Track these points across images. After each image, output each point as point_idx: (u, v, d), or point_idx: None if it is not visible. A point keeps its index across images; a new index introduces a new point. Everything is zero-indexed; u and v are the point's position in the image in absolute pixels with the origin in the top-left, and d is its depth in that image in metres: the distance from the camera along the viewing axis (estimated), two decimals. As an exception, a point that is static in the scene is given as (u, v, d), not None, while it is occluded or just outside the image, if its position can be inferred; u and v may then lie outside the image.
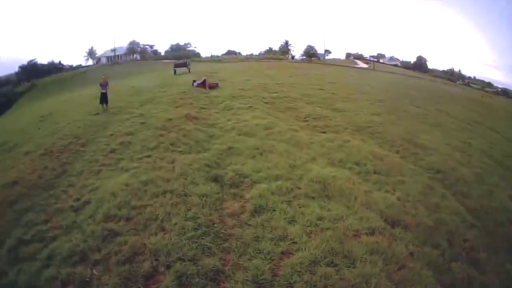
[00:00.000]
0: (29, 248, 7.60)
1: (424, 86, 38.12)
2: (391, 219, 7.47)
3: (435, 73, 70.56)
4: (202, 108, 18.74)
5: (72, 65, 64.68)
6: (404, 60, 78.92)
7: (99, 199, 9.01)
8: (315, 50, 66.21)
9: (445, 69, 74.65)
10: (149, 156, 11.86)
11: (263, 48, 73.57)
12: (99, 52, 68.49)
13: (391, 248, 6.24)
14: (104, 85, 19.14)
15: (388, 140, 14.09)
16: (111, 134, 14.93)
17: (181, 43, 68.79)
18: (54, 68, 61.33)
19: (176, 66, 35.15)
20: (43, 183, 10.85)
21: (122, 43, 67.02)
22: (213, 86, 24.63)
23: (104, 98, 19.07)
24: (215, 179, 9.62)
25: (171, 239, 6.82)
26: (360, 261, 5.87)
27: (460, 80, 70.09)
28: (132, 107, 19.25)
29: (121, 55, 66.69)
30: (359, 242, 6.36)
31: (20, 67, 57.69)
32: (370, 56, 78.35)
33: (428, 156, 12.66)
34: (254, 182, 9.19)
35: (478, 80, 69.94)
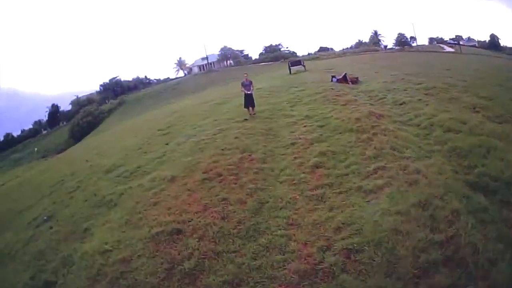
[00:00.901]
0: None
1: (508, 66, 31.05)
2: None
3: (507, 51, 62.96)
4: (370, 104, 14.33)
5: (159, 78, 64.73)
6: (479, 40, 73.96)
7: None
8: (406, 38, 62.22)
9: (514, 46, 67.65)
10: (382, 168, 7.70)
11: (353, 41, 71.24)
12: (189, 62, 68.53)
13: None
14: (247, 85, 14.98)
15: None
16: (293, 143, 10.29)
17: (273, 45, 67.06)
18: (140, 83, 61.70)
19: (292, 64, 32.24)
20: (234, 228, 6.14)
21: (213, 51, 66.57)
22: (354, 81, 21.10)
23: (250, 101, 14.96)
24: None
25: None
26: None
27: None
28: (283, 109, 14.98)
29: (213, 63, 65.14)
30: None
31: (101, 85, 58.68)
32: (449, 39, 72.73)
33: None
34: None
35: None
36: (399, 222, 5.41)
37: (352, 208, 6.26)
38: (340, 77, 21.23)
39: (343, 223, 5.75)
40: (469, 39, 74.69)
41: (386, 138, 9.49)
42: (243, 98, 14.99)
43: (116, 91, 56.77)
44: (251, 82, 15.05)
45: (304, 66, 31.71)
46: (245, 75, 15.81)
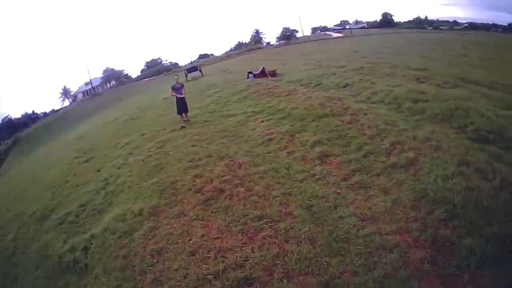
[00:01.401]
0: None
1: (414, 39, 35.13)
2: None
3: (403, 26, 68.49)
4: (313, 91, 13.84)
5: (45, 111, 60.53)
6: (368, 20, 78.09)
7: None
8: (291, 31, 62.39)
9: (411, 19, 73.50)
10: (397, 143, 7.39)
11: (233, 44, 71.83)
12: (74, 89, 62.67)
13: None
14: (179, 88, 13.03)
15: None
16: (270, 139, 9.03)
17: (154, 59, 64.29)
18: (29, 119, 57.04)
19: (189, 71, 30.86)
20: (312, 247, 4.66)
21: (97, 74, 62.31)
22: (272, 74, 20.32)
23: (183, 105, 13.04)
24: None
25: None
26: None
27: (428, 25, 68.16)
28: (217, 111, 13.44)
29: (97, 86, 59.22)
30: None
31: (-5, 127, 55.22)
32: (334, 26, 77.55)
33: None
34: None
35: (442, 21, 69.99)
36: (463, 180, 5.32)
37: (405, 184, 5.71)
38: (258, 72, 20.47)
39: (413, 200, 5.22)
40: (357, 21, 78.26)
41: (371, 116, 9.26)
42: (175, 104, 13.01)
43: (9, 131, 50.01)
44: (182, 85, 13.15)
45: (201, 71, 30.91)
46: (176, 77, 13.70)
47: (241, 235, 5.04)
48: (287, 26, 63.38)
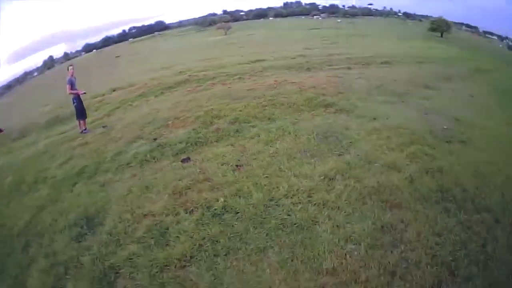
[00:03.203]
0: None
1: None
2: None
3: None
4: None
5: None
6: None
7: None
8: None
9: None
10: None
11: None
12: None
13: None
14: (74, 82, 9.71)
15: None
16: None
17: None
18: None
19: None
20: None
21: None
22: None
23: (83, 108, 10.03)
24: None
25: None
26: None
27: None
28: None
29: None
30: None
31: None
32: None
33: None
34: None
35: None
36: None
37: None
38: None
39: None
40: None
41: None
42: (76, 104, 9.64)
43: None
44: (75, 79, 9.80)
45: None
46: (71, 67, 9.71)
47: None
48: None
